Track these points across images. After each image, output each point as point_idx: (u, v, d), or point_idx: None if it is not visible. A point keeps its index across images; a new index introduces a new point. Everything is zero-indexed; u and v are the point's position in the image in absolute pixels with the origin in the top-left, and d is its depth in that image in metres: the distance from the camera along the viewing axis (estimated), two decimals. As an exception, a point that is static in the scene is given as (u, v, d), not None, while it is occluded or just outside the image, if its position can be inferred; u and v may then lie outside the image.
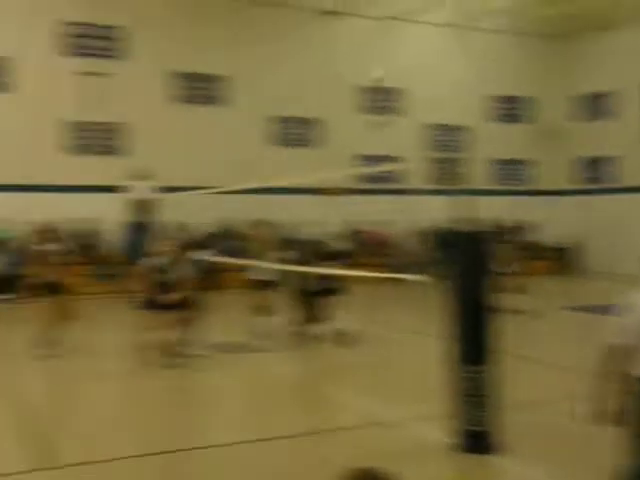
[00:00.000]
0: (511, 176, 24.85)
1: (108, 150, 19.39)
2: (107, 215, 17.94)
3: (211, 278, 14.48)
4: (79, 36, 19.13)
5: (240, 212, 18.59)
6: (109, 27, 19.40)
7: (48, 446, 6.23)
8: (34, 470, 5.73)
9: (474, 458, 5.82)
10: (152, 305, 9.22)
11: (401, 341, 11.50)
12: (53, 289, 10.19)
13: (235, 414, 7.64)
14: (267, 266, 10.58)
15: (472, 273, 5.98)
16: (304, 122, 21.75)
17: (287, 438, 6.51)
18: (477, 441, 5.87)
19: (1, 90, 18.35)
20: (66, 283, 10.68)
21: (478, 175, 22.97)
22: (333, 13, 21.91)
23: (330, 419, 7.37)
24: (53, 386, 9.04)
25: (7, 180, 17.93)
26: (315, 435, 6.63)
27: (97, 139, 19.34)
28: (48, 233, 11.22)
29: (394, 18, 22.31)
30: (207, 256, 13.07)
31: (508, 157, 24.57)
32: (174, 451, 6.24)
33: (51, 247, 10.75)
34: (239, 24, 20.68)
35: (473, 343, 5.89)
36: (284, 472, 5.71)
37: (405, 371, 9.19)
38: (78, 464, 5.84)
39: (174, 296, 9.13)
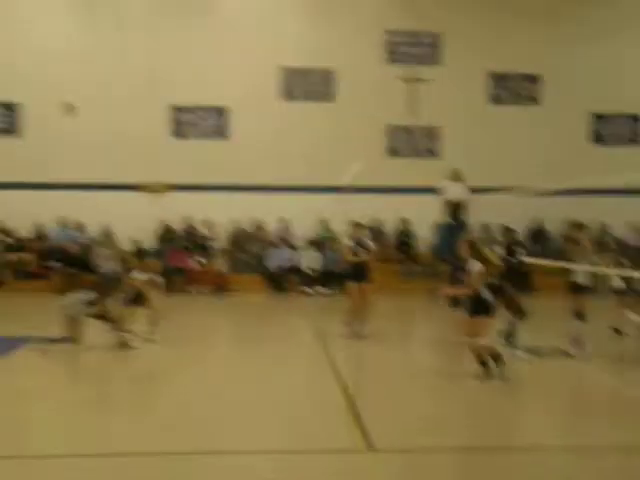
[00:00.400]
0: None
1: (425, 152, 20.03)
2: (423, 215, 18.47)
3: (523, 280, 14.23)
4: (399, 44, 20.00)
5: (553, 213, 18.17)
6: (426, 34, 19.99)
7: (363, 429, 6.62)
8: (347, 452, 6.11)
9: None
10: (458, 304, 9.27)
11: None
12: (359, 280, 11.36)
13: (555, 418, 7.44)
14: (586, 269, 10.12)
15: None
16: (623, 118, 20.42)
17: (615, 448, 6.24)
18: None
19: (328, 100, 19.85)
20: (371, 276, 11.54)
21: None
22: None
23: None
24: (366, 373, 9.56)
25: (332, 182, 19.34)
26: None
27: (416, 142, 20.08)
28: (362, 231, 11.97)
29: None
30: (518, 256, 12.87)
31: None
32: (495, 447, 6.30)
33: (361, 244, 11.55)
34: (552, 22, 20.01)
35: None
36: None
37: None
38: (392, 451, 6.12)
39: (454, 291, 9.04)
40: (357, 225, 12.05)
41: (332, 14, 19.95)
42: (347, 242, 11.83)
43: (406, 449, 6.18)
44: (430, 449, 6.18)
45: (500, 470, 5.80)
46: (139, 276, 11.05)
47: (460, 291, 9.23)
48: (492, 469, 5.82)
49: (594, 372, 9.44)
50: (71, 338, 10.35)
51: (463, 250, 9.05)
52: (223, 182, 19.22)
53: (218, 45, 19.50)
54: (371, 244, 11.79)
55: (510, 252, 11.25)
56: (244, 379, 8.88)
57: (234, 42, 19.52)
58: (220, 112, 19.71)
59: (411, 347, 10.98)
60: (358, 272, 11.45)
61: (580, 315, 10.44)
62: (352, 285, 11.50)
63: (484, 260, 8.70)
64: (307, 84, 19.93)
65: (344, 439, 6.39)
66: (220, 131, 19.76)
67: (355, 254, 11.51)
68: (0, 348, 10.20)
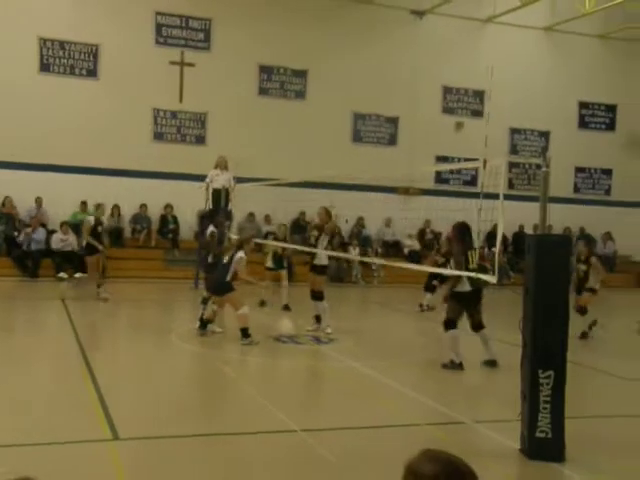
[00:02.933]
0: (594, 185, 24.11)
1: (192, 139, 19.78)
2: (188, 202, 18.13)
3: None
4: (170, 27, 19.54)
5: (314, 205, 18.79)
6: (196, 18, 19.72)
7: (110, 419, 6.34)
8: (93, 441, 5.84)
9: (538, 465, 5.66)
10: None
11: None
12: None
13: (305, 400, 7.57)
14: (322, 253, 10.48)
15: (551, 278, 5.83)
16: (386, 120, 21.64)
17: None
18: (542, 448, 5.70)
19: (90, 75, 18.88)
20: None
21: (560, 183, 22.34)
22: (420, 13, 21.67)
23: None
24: (116, 363, 9.21)
25: (94, 164, 18.42)
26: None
27: (182, 127, 19.74)
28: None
29: (489, 19, 22.03)
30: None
31: (592, 165, 23.90)
32: (237, 433, 6.26)
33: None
34: (322, 19, 20.59)
35: (544, 348, 5.73)
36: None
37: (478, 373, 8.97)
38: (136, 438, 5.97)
39: None
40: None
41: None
42: (89, 219, 14.56)
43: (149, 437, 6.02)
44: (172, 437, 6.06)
45: (240, 455, 5.82)
46: None
47: None
48: (233, 454, 5.82)
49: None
50: None
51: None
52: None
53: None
54: (91, 221, 14.38)
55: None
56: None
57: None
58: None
59: (163, 336, 10.77)
60: (91, 249, 14.16)
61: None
62: (88, 258, 14.32)
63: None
64: (67, 57, 18.77)
65: (90, 429, 6.06)
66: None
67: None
68: None
